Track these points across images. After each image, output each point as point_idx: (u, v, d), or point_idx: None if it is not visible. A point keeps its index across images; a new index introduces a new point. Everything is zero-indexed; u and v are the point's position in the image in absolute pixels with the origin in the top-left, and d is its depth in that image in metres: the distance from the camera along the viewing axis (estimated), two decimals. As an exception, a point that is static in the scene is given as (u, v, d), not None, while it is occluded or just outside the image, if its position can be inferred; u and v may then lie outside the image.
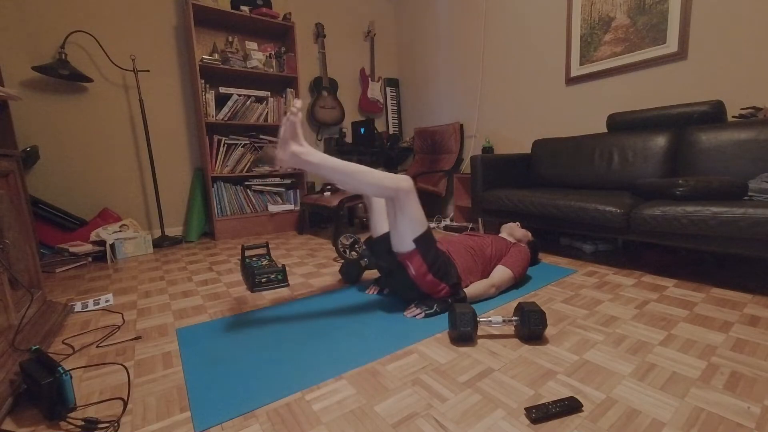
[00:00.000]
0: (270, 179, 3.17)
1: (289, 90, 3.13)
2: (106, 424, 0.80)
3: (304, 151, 1.14)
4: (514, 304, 1.40)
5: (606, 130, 2.36)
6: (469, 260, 1.48)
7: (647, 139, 2.03)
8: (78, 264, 2.22)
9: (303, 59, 3.47)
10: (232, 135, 2.97)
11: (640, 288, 1.52)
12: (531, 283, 1.62)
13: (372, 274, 1.85)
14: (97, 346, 1.18)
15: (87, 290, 1.76)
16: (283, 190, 3.24)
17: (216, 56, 2.78)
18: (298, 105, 1.10)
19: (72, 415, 0.84)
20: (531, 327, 1.07)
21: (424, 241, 1.29)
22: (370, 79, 3.83)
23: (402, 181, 1.23)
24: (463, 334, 1.08)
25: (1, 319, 1.03)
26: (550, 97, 2.70)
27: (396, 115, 4.09)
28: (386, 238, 1.38)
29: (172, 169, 2.93)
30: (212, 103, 2.80)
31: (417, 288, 1.32)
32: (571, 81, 2.55)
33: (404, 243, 1.28)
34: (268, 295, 1.60)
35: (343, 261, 1.87)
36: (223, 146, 2.90)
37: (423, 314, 1.30)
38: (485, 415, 0.79)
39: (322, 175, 1.18)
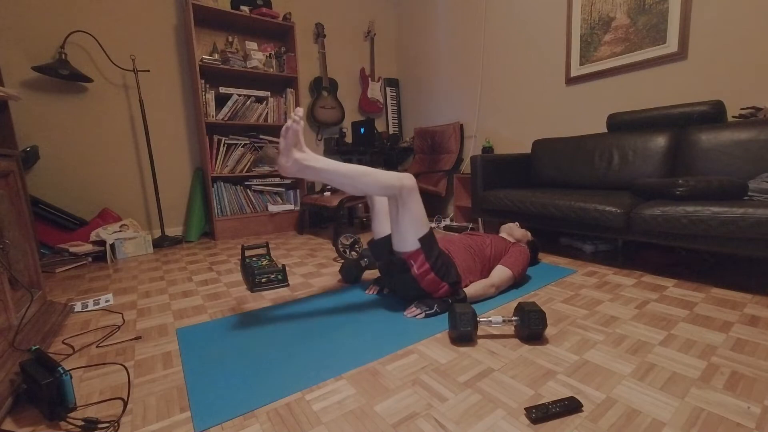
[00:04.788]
0: (270, 179, 3.17)
1: (289, 90, 3.13)
2: (106, 424, 0.80)
3: (307, 157, 1.15)
4: (514, 304, 1.40)
5: (606, 130, 2.36)
6: (469, 260, 1.48)
7: (647, 139, 2.03)
8: (78, 264, 2.22)
9: (303, 59, 3.47)
10: (232, 135, 2.97)
11: (640, 288, 1.52)
12: (531, 283, 1.62)
13: (372, 274, 1.85)
14: (97, 346, 1.18)
15: (87, 290, 1.76)
16: (283, 190, 3.24)
17: (216, 56, 2.78)
18: (300, 113, 1.09)
19: (72, 415, 0.84)
20: (531, 327, 1.07)
21: (428, 241, 1.31)
22: (370, 79, 3.83)
23: (405, 178, 1.25)
24: (463, 334, 1.08)
25: (1, 319, 1.03)
26: (550, 97, 2.70)
27: (396, 115, 4.09)
28: (388, 239, 1.38)
29: (172, 169, 2.93)
30: (212, 103, 2.80)
31: (417, 287, 1.33)
32: (571, 81, 2.55)
33: (407, 242, 1.30)
34: (268, 295, 1.60)
35: (343, 261, 1.87)
36: (223, 146, 2.90)
37: (423, 314, 1.30)
38: (485, 415, 0.79)
39: (324, 179, 1.17)
